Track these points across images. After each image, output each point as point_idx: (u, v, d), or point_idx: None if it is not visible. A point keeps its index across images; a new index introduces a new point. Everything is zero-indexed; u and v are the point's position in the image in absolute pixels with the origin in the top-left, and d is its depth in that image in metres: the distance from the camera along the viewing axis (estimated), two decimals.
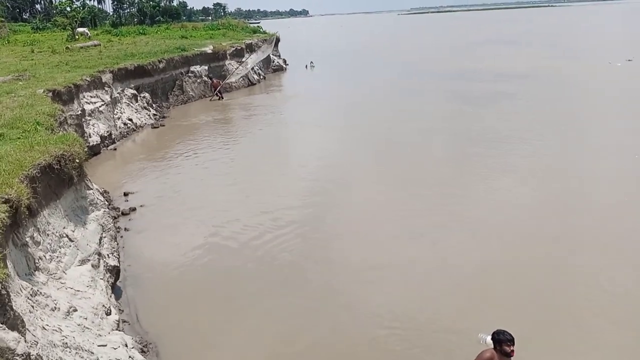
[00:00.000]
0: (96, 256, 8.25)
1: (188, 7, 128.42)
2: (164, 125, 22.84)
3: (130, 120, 21.52)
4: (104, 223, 9.04)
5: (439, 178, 14.02)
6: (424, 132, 19.43)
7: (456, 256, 9.65)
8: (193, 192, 14.02)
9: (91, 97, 18.83)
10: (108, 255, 8.73)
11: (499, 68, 35.25)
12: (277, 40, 45.47)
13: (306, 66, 42.74)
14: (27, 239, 6.91)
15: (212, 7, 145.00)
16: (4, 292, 4.55)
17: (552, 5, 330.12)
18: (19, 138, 8.79)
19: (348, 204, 12.64)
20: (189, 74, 29.27)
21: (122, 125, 20.77)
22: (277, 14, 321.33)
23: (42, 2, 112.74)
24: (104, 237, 8.90)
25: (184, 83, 28.72)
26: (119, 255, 9.26)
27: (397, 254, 9.81)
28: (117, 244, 9.73)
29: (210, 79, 29.81)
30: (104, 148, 18.44)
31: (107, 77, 20.70)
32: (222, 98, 29.08)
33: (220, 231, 11.32)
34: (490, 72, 33.73)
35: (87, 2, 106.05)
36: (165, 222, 12.08)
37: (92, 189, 9.17)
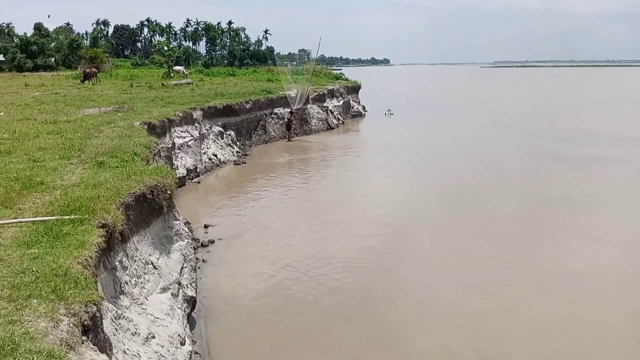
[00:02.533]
0: (176, 285, 8.46)
1: (275, 52, 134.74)
2: (245, 163, 23.60)
3: (215, 155, 22.43)
4: (186, 253, 9.31)
5: (508, 235, 13.78)
6: (501, 186, 19.00)
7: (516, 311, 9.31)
8: (269, 229, 14.39)
9: (182, 131, 19.86)
10: (187, 285, 8.94)
11: (595, 129, 33.44)
12: (358, 87, 46.35)
13: (385, 114, 43.00)
14: (117, 263, 7.22)
15: (297, 52, 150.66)
16: (98, 314, 4.73)
17: None
18: (118, 167, 9.33)
19: (413, 250, 12.91)
20: (272, 116, 30.27)
21: (207, 160, 21.66)
22: (359, 62, 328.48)
23: (143, 40, 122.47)
24: (185, 267, 9.14)
25: (267, 124, 29.71)
26: (196, 286, 9.46)
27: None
28: (196, 275, 9.96)
29: (291, 113, 30.92)
30: (189, 180, 19.25)
31: (197, 114, 21.81)
32: (291, 139, 30.22)
33: (293, 268, 11.55)
34: (586, 133, 32.28)
35: (183, 42, 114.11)
36: (241, 256, 12.35)
37: (178, 220, 9.51)
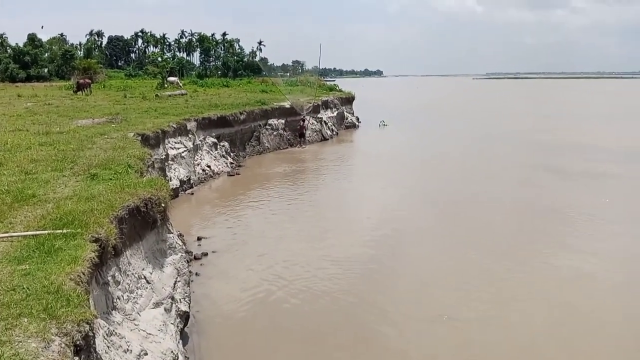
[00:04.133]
0: (169, 300, 8.33)
1: (269, 63, 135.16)
2: (239, 174, 23.51)
3: (209, 167, 22.33)
4: (179, 267, 9.19)
5: (500, 244, 13.85)
6: (494, 198, 19.02)
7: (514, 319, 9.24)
8: (263, 241, 14.28)
9: (175, 142, 19.76)
10: (180, 300, 8.81)
11: (593, 142, 33.54)
12: (352, 98, 46.50)
13: (379, 125, 43.09)
14: (109, 278, 7.09)
15: (291, 64, 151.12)
16: (90, 334, 4.61)
17: (634, 77, 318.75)
18: (111, 179, 9.21)
19: (407, 262, 12.94)
20: (267, 127, 30.25)
21: (201, 171, 21.56)
22: (352, 73, 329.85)
23: (137, 51, 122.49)
24: (179, 281, 9.02)
25: (261, 135, 29.66)
26: (190, 300, 9.33)
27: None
28: (190, 289, 9.83)
29: (303, 120, 32.28)
30: (182, 192, 19.12)
31: (191, 125, 21.73)
32: (303, 145, 31.45)
33: (288, 281, 11.45)
34: (582, 145, 32.46)
35: (177, 53, 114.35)
36: (235, 269, 12.22)
37: (172, 233, 9.40)
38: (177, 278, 8.95)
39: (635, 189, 20.37)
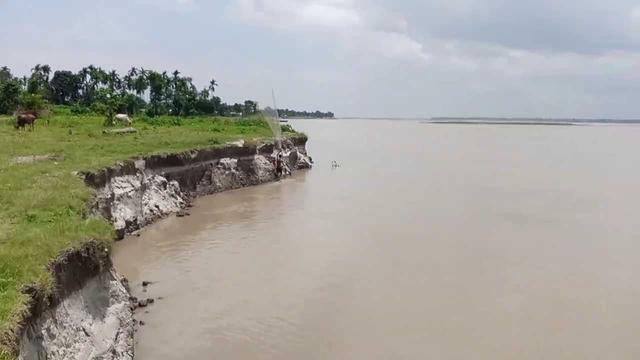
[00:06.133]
0: (110, 354, 7.68)
1: (221, 103, 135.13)
2: (188, 214, 22.77)
3: (157, 207, 21.53)
4: (122, 317, 8.56)
5: (445, 285, 14.19)
6: (439, 238, 19.51)
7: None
8: (213, 285, 13.81)
9: (122, 181, 18.99)
10: (122, 353, 8.15)
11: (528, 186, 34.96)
12: (305, 139, 46.81)
13: (331, 165, 43.38)
14: (43, 331, 6.47)
15: (244, 103, 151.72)
16: None
17: (570, 124, 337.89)
18: (50, 221, 8.57)
19: (356, 300, 13.04)
20: (219, 166, 29.74)
21: (148, 212, 20.73)
22: (304, 115, 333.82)
23: (85, 87, 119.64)
24: (121, 332, 8.38)
25: (213, 174, 29.09)
26: (133, 353, 8.65)
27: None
28: (133, 340, 9.14)
29: (280, 155, 35.60)
30: (128, 233, 18.25)
31: (139, 164, 21.02)
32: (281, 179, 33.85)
33: (238, 328, 11.08)
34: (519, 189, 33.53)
35: (127, 90, 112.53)
36: (182, 317, 11.55)
37: (115, 280, 8.79)
38: (119, 329, 8.31)
39: (568, 234, 20.81)
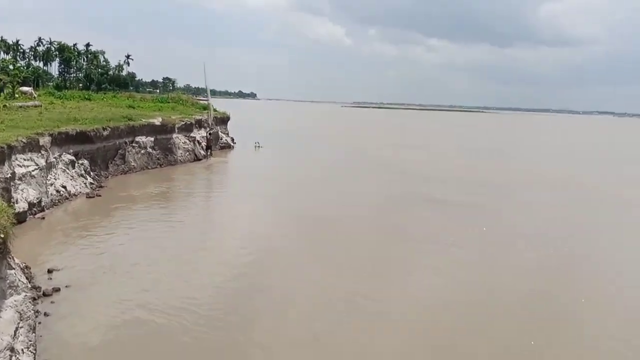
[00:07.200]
0: (8, 352, 6.83)
1: (137, 79, 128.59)
2: (100, 196, 21.32)
3: (64, 187, 19.95)
4: (22, 310, 7.67)
5: (361, 266, 14.34)
6: (359, 217, 19.96)
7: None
8: (125, 269, 12.98)
9: (24, 159, 17.35)
10: (22, 350, 7.30)
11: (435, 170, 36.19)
12: (227, 118, 45.61)
13: (254, 146, 42.68)
14: None
15: (162, 80, 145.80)
16: None
17: (482, 112, 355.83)
18: None
19: (278, 280, 13.03)
20: (133, 144, 28.13)
21: (55, 193, 19.15)
22: (226, 94, 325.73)
23: None
24: (21, 327, 7.51)
25: (127, 153, 27.47)
26: (35, 349, 7.80)
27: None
28: (35, 335, 8.25)
29: (210, 133, 36.16)
30: (31, 216, 16.75)
31: (44, 140, 19.32)
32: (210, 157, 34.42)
33: (153, 314, 10.52)
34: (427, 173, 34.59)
35: (33, 62, 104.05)
36: (92, 306, 10.68)
37: (14, 269, 7.84)
38: (19, 324, 7.44)
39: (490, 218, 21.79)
